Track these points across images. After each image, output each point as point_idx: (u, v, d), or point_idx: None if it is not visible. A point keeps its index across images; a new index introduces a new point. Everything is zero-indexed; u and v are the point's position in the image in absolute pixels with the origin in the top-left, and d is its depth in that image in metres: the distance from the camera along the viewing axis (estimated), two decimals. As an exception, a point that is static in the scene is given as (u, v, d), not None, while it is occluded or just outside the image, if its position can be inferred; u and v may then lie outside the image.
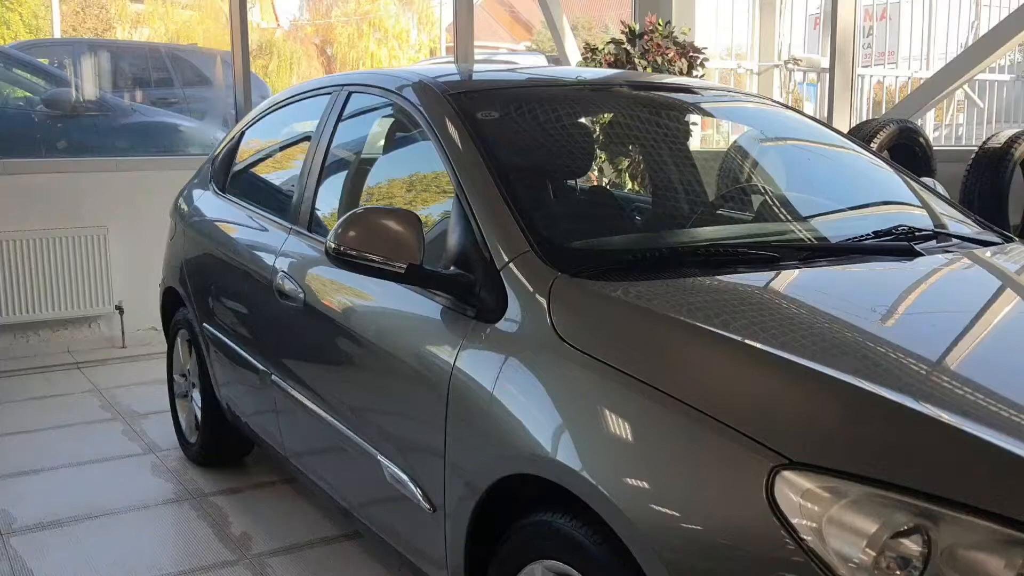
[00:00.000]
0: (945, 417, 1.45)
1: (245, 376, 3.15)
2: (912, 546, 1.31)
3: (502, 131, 2.43)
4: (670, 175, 2.65)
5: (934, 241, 2.38)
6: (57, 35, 9.73)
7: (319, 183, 2.88)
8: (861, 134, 5.29)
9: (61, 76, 7.20)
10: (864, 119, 6.07)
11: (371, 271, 2.07)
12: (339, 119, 2.91)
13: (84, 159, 6.07)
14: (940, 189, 2.95)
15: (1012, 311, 2.05)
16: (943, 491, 1.33)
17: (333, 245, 2.08)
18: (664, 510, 1.49)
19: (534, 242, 2.02)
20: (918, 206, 2.70)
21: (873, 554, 1.30)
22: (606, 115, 2.76)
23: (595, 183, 2.64)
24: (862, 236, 2.27)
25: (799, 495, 1.37)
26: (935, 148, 5.51)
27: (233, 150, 3.73)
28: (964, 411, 1.48)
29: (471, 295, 2.05)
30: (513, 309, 1.95)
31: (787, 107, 3.18)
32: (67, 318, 5.75)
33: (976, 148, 4.87)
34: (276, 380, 2.88)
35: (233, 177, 3.64)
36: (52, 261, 5.61)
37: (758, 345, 1.66)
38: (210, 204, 3.67)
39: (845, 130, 5.82)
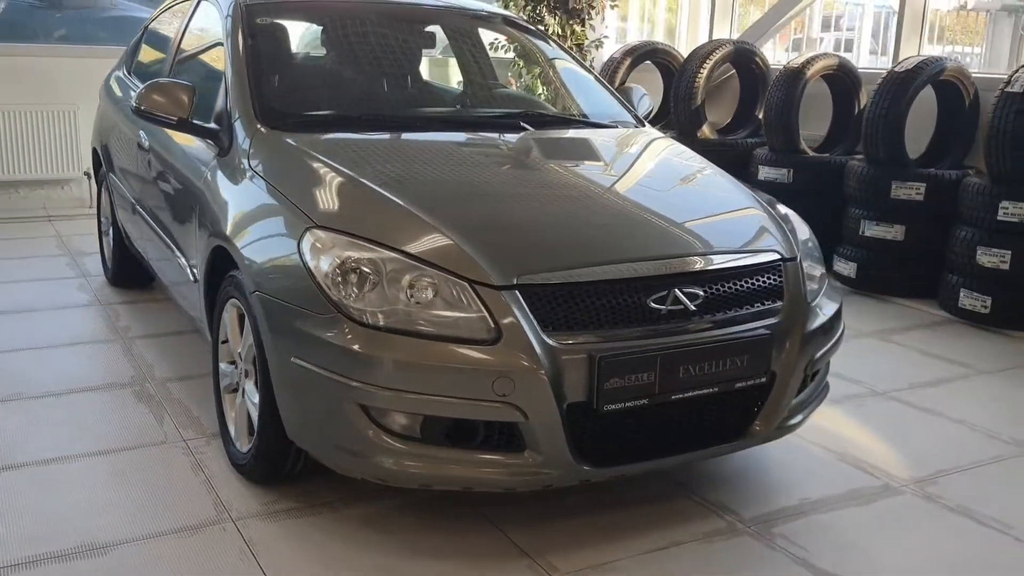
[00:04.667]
0: (400, 201, 2.55)
1: (128, 211, 4.27)
2: (367, 269, 2.37)
3: (269, 33, 3.47)
4: (380, 70, 3.63)
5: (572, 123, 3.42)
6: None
7: (172, 67, 3.94)
8: (701, 51, 6.17)
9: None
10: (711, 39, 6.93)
11: (155, 121, 3.15)
12: (189, 21, 3.96)
13: (59, 46, 7.16)
14: (639, 99, 3.88)
15: (523, 160, 3.11)
16: (386, 241, 2.40)
17: (134, 104, 3.16)
18: (263, 256, 2.59)
19: (255, 106, 3.08)
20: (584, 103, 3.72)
21: (336, 265, 2.37)
22: (359, 24, 3.73)
23: (325, 71, 3.65)
24: (494, 117, 3.31)
25: (313, 241, 2.45)
26: (772, 67, 6.36)
27: (139, 41, 4.78)
28: (416, 200, 2.56)
29: (218, 139, 3.12)
30: (234, 148, 3.02)
31: (532, 33, 4.16)
32: (43, 179, 6.93)
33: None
34: (139, 210, 3.99)
35: (135, 62, 4.71)
36: (30, 132, 6.76)
37: (337, 166, 2.75)
38: (120, 83, 4.74)
39: (693, 46, 6.71)
